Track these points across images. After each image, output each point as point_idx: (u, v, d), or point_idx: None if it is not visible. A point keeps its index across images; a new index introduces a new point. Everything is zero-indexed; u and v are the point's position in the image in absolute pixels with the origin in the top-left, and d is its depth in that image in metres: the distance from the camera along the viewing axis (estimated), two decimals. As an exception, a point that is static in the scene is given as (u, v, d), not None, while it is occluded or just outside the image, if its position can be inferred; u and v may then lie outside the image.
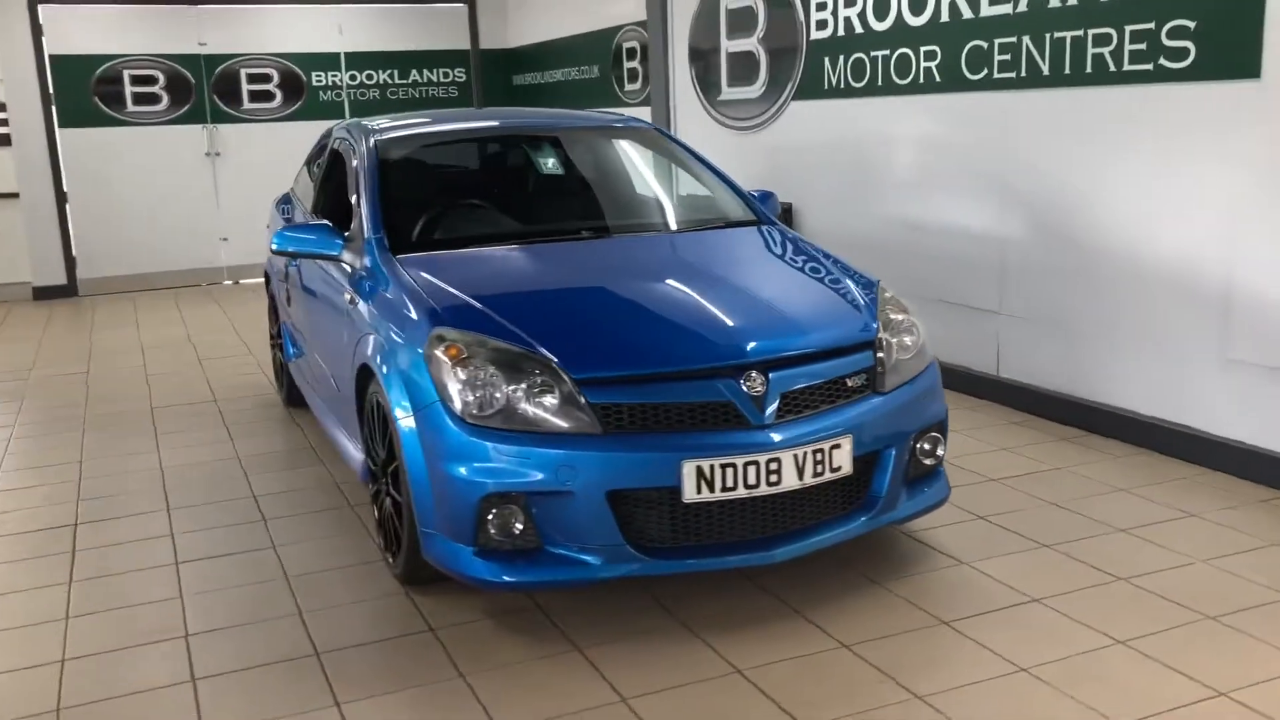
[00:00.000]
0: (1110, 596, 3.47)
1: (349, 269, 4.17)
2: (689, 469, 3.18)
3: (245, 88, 11.17)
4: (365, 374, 3.84)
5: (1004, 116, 5.44)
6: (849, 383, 3.48)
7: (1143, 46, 4.65)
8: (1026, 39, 5.24)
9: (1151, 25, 4.61)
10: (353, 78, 11.51)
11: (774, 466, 3.24)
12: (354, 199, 4.37)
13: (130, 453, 5.43)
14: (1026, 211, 5.40)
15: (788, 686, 3.01)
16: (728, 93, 7.86)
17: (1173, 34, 4.52)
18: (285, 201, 6.14)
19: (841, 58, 6.57)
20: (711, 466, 3.19)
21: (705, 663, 3.16)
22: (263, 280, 6.50)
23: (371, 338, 3.75)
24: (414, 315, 3.57)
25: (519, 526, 3.21)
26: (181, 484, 4.92)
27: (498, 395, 3.24)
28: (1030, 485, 4.47)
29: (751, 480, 3.23)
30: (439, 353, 3.36)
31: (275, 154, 11.18)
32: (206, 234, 11.14)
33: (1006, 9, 5.35)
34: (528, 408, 3.22)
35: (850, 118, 6.53)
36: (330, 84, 11.43)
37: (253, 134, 11.20)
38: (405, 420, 3.41)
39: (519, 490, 3.18)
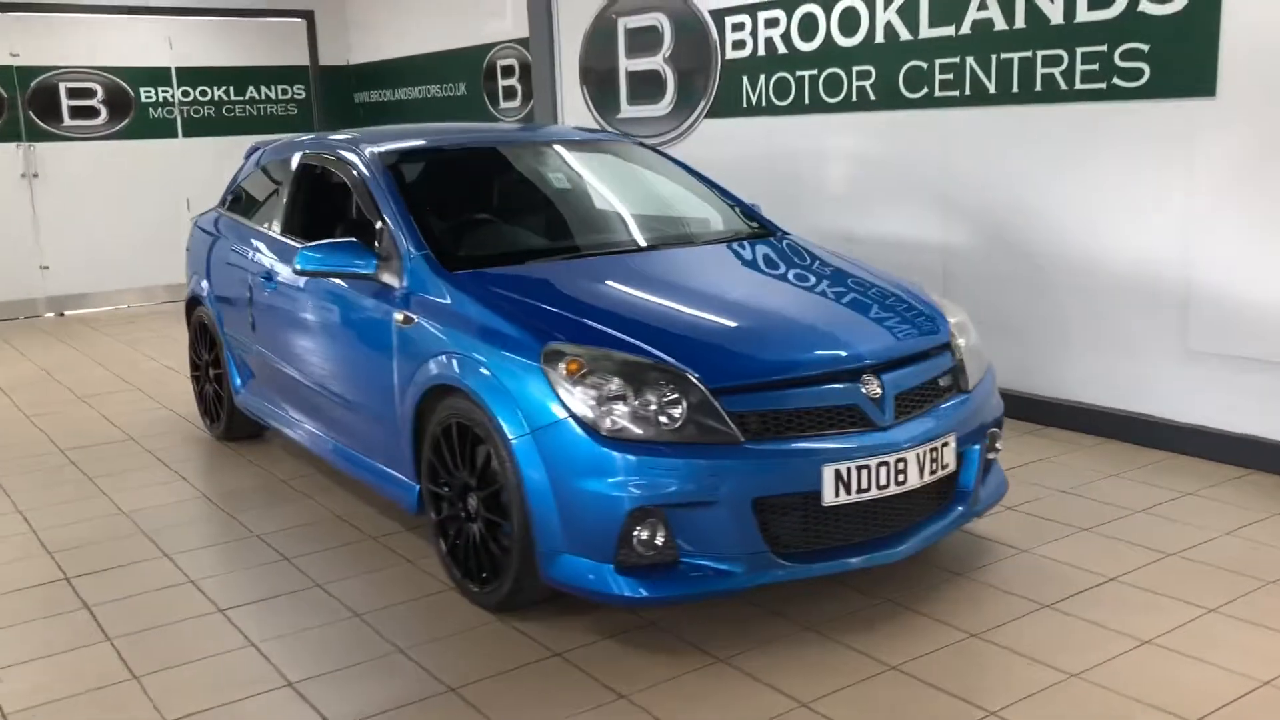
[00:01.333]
0: (1174, 570, 3.76)
1: (389, 287, 3.99)
2: (829, 473, 3.24)
3: (66, 103, 10.34)
4: (435, 396, 3.69)
5: (946, 132, 5.77)
6: (940, 383, 3.63)
7: (1095, 67, 5.07)
8: (970, 59, 5.59)
9: (1104, 48, 5.03)
10: (185, 94, 10.85)
11: (901, 466, 3.35)
12: (379, 216, 4.18)
13: (72, 499, 4.95)
14: (970, 223, 5.75)
15: (950, 676, 3.11)
16: (628, 110, 7.93)
17: (1126, 56, 4.94)
18: (214, 224, 5.75)
19: (763, 77, 6.78)
20: (849, 469, 3.26)
21: (856, 662, 3.21)
22: (184, 306, 6.05)
23: (452, 359, 3.60)
24: (516, 332, 3.47)
25: (660, 539, 3.18)
26: (162, 528, 4.53)
27: (631, 408, 3.20)
28: (1029, 475, 4.76)
29: (883, 481, 3.32)
30: (561, 368, 3.28)
31: (103, 175, 10.46)
32: (24, 262, 10.22)
33: (948, 31, 5.68)
34: (665, 419, 3.19)
35: (775, 134, 6.74)
36: (161, 100, 10.74)
37: (76, 153, 10.38)
38: (520, 440, 3.30)
39: (664, 503, 3.15)
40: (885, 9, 5.96)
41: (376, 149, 4.50)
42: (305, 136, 5.30)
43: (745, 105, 6.92)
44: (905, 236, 6.08)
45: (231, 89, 11.07)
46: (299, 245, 4.65)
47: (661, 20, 7.46)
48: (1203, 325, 4.87)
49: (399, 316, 3.89)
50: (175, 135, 10.80)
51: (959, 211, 5.80)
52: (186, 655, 3.42)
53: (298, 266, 4.07)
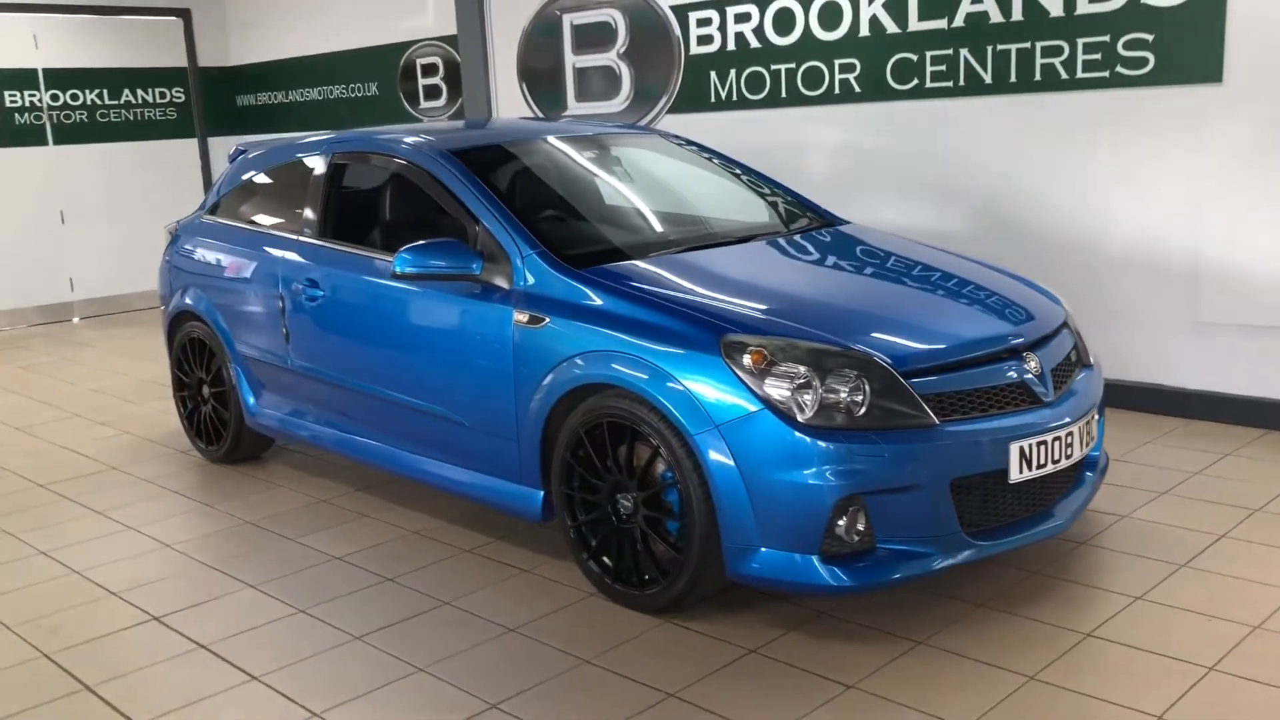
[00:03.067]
0: (1270, 524, 4.00)
1: (496, 289, 3.83)
2: (1015, 451, 3.30)
3: (-81, 109, 9.42)
4: (575, 397, 3.57)
5: (939, 123, 5.95)
6: (1071, 358, 3.75)
7: (1097, 57, 5.33)
8: (965, 51, 5.79)
9: (1106, 38, 5.30)
10: (55, 98, 10.05)
11: (1070, 440, 3.45)
12: (467, 215, 4.00)
13: (99, 535, 4.53)
14: (968, 210, 5.95)
15: (1151, 637, 3.22)
16: (576, 107, 7.83)
17: (1129, 45, 5.22)
18: (205, 232, 5.36)
19: (733, 71, 6.82)
20: (1031, 446, 3.33)
21: (1052, 635, 3.28)
22: (164, 320, 5.61)
23: (602, 358, 3.48)
24: (684, 327, 3.38)
25: (860, 526, 3.17)
26: (224, 558, 4.20)
27: (821, 396, 3.18)
28: (1075, 447, 4.96)
29: (1056, 456, 3.41)
30: (745, 360, 3.23)
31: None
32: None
33: (940, 24, 5.86)
34: (855, 405, 3.18)
35: (748, 129, 6.78)
36: (28, 104, 9.91)
37: (-69, 163, 9.48)
38: (702, 434, 3.23)
39: (870, 490, 3.14)
40: (870, 4, 6.09)
41: (448, 144, 4.30)
42: (321, 136, 5.00)
43: (714, 100, 6.95)
44: (897, 225, 6.23)
45: (105, 92, 10.32)
46: (351, 250, 4.45)
47: (615, 16, 7.40)
48: (1212, 297, 5.19)
49: (521, 318, 3.73)
50: (45, 143, 9.99)
51: (955, 200, 5.98)
52: (362, 686, 3.18)
53: (396, 270, 3.84)
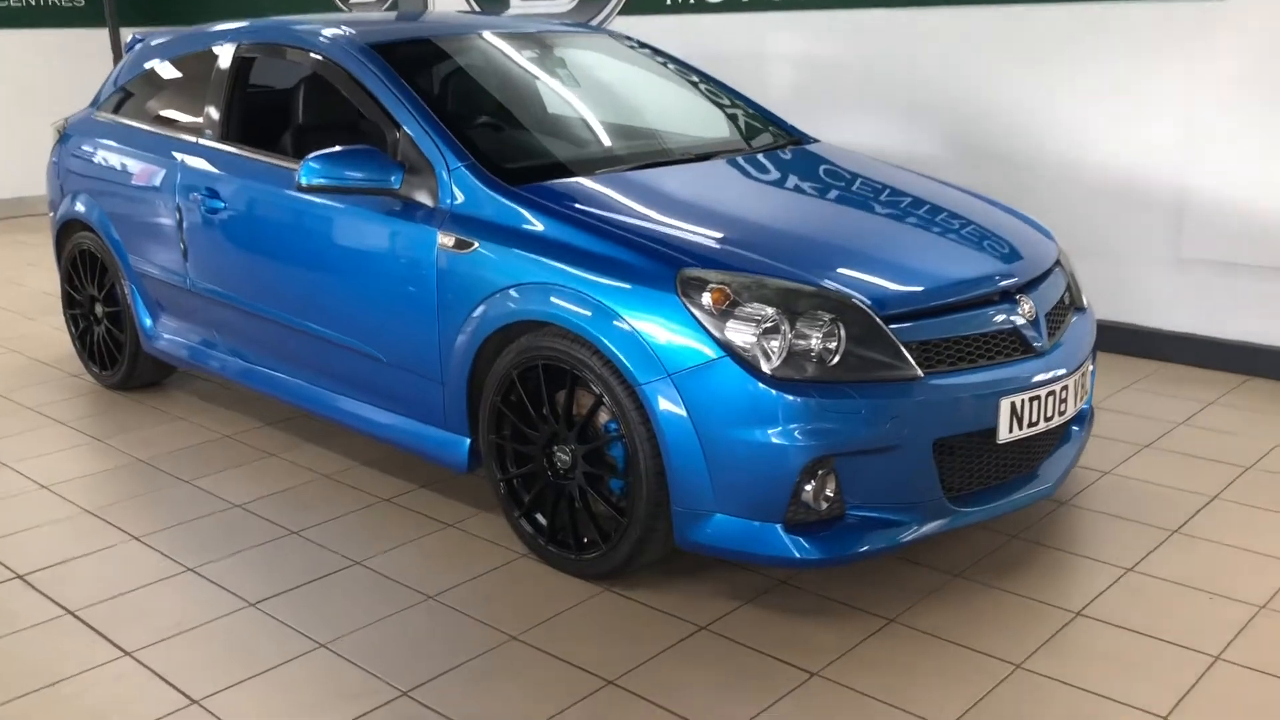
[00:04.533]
0: (1264, 485, 3.67)
1: (418, 206, 3.34)
2: (1005, 406, 2.92)
3: None
4: (508, 334, 3.11)
5: (914, 34, 5.47)
6: (1065, 301, 3.36)
7: (1093, -35, 4.87)
8: (946, -44, 5.29)
9: (1103, -54, 4.83)
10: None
11: (1064, 395, 3.08)
12: (388, 120, 3.48)
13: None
14: (941, 131, 5.50)
15: (1145, 618, 2.88)
16: (520, 5, 7.23)
17: (1128, -46, 4.77)
18: (97, 130, 4.77)
19: (693, -30, 6.27)
20: (1022, 402, 2.95)
21: (1037, 611, 2.94)
22: (53, 227, 5.02)
23: (539, 290, 3.02)
24: (635, 258, 2.92)
25: (829, 491, 2.77)
26: (107, 503, 3.73)
27: (791, 343, 2.75)
28: (1049, 392, 4.61)
29: (1049, 412, 3.03)
30: (705, 299, 2.79)
31: None
32: None
33: (919, -75, 5.35)
34: (830, 354, 2.76)
35: (705, 35, 6.26)
36: (-84, -13, 9.03)
37: None
38: (652, 384, 2.80)
39: (844, 451, 2.74)
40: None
41: (367, 37, 3.76)
42: (229, 25, 4.40)
43: (670, 1, 6.39)
44: (862, 146, 5.77)
45: (4, -25, 9.45)
46: (257, 157, 3.92)
47: (563, -93, 6.78)
48: (1198, 233, 4.83)
49: (446, 241, 3.25)
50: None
51: (930, 118, 5.53)
52: (245, 668, 2.75)
53: (302, 181, 3.33)
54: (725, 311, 2.78)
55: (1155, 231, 4.94)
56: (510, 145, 3.67)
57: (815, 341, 2.76)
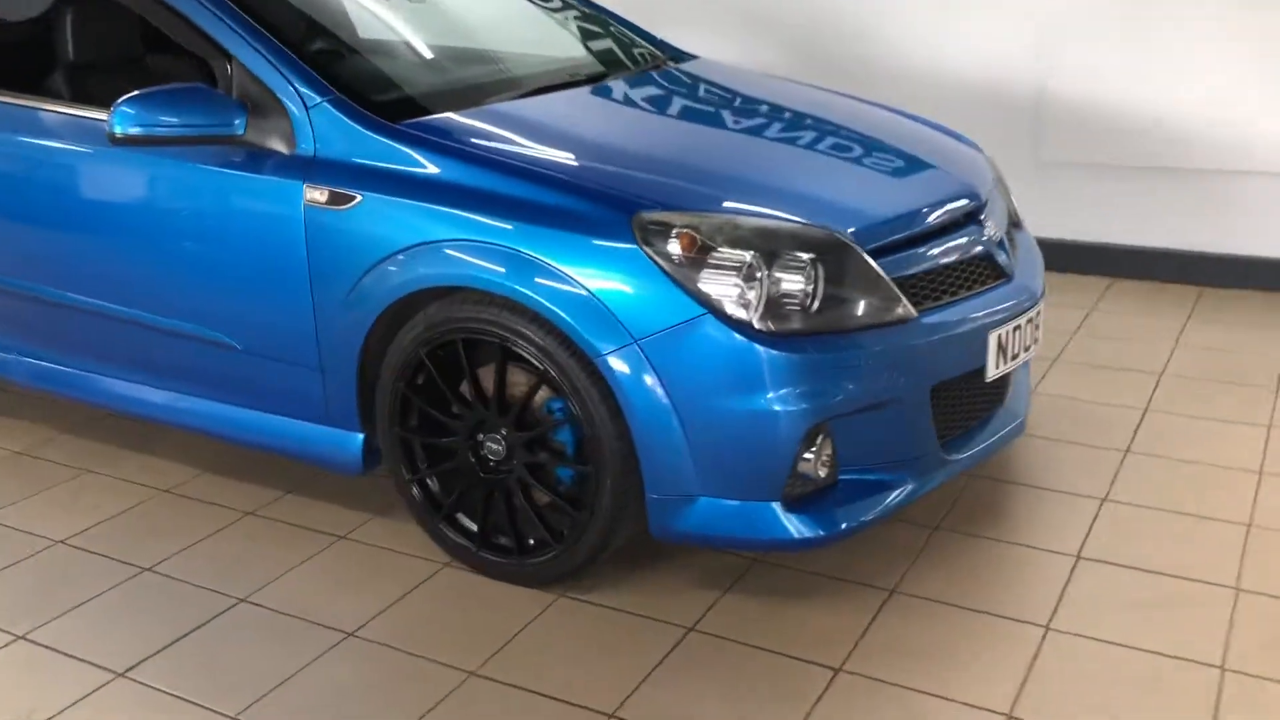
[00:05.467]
0: (1183, 390, 3.59)
1: (270, 153, 2.70)
2: (993, 342, 2.63)
3: None
4: (410, 306, 2.56)
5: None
6: (1011, 218, 3.11)
7: None
8: None
9: None
10: None
11: (1038, 321, 2.82)
12: (217, 50, 2.79)
13: None
14: (791, 38, 5.17)
15: (1142, 553, 2.70)
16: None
17: None
18: None
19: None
20: (1007, 335, 2.68)
21: (1035, 559, 2.71)
22: None
23: (455, 248, 2.47)
24: (575, 201, 2.43)
25: (825, 458, 2.42)
26: (-117, 559, 2.92)
27: (773, 289, 2.35)
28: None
29: (1027, 343, 2.78)
30: (671, 246, 2.34)
31: None
32: None
33: None
34: (817, 296, 2.38)
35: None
36: None
37: None
38: (615, 353, 2.34)
39: (845, 412, 2.38)
40: None
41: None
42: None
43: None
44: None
45: None
46: (45, 107, 3.13)
47: None
48: (1056, 133, 4.73)
49: (317, 195, 2.63)
50: None
51: (764, 26, 5.19)
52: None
53: (116, 131, 2.62)
54: (695, 260, 2.34)
55: (1015, 135, 4.81)
56: (375, 75, 3.04)
57: (798, 285, 2.36)
